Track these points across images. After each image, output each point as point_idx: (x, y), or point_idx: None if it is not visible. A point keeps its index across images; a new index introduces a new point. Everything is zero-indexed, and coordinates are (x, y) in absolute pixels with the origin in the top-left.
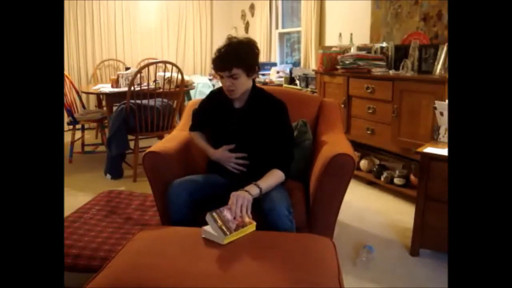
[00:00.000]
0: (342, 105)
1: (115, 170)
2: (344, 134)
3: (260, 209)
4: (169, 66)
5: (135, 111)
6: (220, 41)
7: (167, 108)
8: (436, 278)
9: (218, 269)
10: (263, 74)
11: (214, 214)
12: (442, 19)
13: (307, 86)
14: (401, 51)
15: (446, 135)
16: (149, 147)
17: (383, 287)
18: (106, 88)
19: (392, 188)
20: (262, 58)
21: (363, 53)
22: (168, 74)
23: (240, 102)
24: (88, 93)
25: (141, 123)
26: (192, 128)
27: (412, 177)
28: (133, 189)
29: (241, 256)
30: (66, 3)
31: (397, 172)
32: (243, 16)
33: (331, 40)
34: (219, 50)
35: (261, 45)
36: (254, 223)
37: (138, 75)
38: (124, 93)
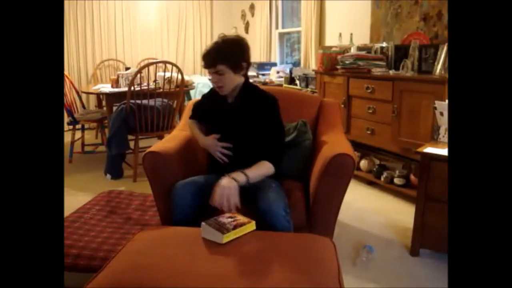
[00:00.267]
0: (342, 105)
1: (115, 170)
2: (344, 134)
3: (256, 209)
4: (169, 66)
5: (135, 111)
6: None
7: (167, 108)
8: (436, 278)
9: (218, 269)
10: (263, 74)
11: (208, 221)
12: (442, 19)
13: (307, 86)
14: (401, 51)
15: (446, 135)
16: (149, 147)
17: (383, 287)
18: (106, 88)
19: (392, 188)
20: (262, 58)
21: (363, 53)
22: (168, 74)
23: (232, 98)
24: (88, 93)
25: (141, 123)
26: (191, 117)
27: (412, 177)
28: (133, 189)
29: (241, 256)
30: (66, 3)
31: (397, 172)
32: (243, 16)
33: (331, 40)
34: (206, 48)
35: (261, 45)
36: (254, 222)
37: (138, 75)
38: (124, 93)
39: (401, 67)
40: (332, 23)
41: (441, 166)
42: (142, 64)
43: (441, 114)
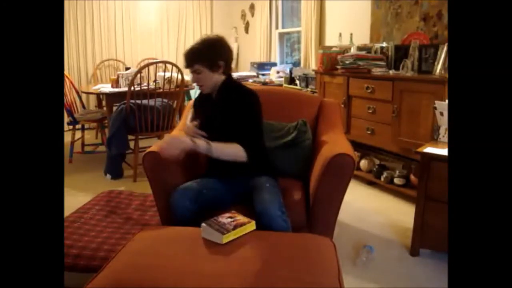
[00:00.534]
0: (342, 105)
1: (115, 170)
2: (344, 134)
3: (253, 212)
4: (169, 66)
5: (135, 111)
6: None
7: (167, 108)
8: (436, 278)
9: (218, 269)
10: (263, 74)
11: (208, 222)
12: (442, 19)
13: (307, 86)
14: (401, 51)
15: (446, 135)
16: (149, 147)
17: (383, 287)
18: (106, 88)
19: (392, 188)
20: (262, 58)
21: (363, 53)
22: (168, 74)
23: (214, 94)
24: (88, 93)
25: (141, 123)
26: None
27: (412, 177)
28: (133, 189)
29: (241, 256)
30: (66, 3)
31: (397, 172)
32: (243, 16)
33: (331, 40)
34: (186, 49)
35: (261, 45)
36: (253, 222)
37: (138, 75)
38: (124, 93)
39: (401, 67)
40: (332, 23)
41: (441, 166)
42: (142, 64)
43: (441, 114)
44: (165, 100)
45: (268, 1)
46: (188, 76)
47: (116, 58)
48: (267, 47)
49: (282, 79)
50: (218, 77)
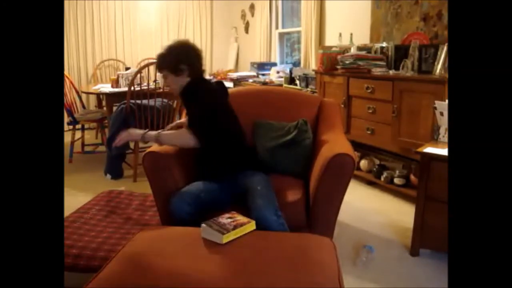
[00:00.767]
0: (342, 105)
1: (115, 170)
2: (344, 134)
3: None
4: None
5: (135, 111)
6: (220, 41)
7: (167, 108)
8: (436, 278)
9: (218, 269)
10: (263, 74)
11: (208, 222)
12: (442, 19)
13: (307, 86)
14: (401, 51)
15: (446, 135)
16: (149, 147)
17: (383, 287)
18: (106, 88)
19: (392, 188)
20: (262, 58)
21: (363, 53)
22: None
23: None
24: (88, 93)
25: (141, 123)
26: None
27: (412, 177)
28: (133, 189)
29: (241, 256)
30: (66, 3)
31: (397, 172)
32: (243, 16)
33: (331, 40)
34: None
35: (261, 45)
36: (253, 222)
37: (138, 75)
38: (124, 93)
39: (401, 67)
40: (332, 23)
41: (441, 166)
42: (142, 64)
43: (441, 114)
44: (165, 100)
45: (268, 1)
46: None
47: (116, 58)
48: (267, 47)
49: (282, 79)
50: (183, 80)
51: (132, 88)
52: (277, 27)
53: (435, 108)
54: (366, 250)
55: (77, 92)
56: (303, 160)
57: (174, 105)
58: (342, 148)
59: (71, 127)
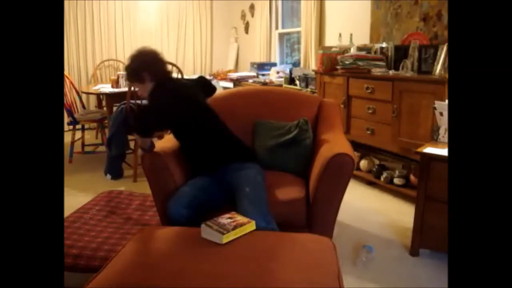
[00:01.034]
0: (342, 105)
1: (115, 170)
2: (344, 134)
3: None
4: (169, 66)
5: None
6: (220, 41)
7: None
8: (436, 278)
9: (218, 269)
10: (263, 75)
11: (208, 222)
12: (442, 19)
13: (307, 86)
14: (401, 51)
15: (446, 135)
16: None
17: (383, 287)
18: (106, 88)
19: (392, 188)
20: (262, 58)
21: (363, 53)
22: None
23: None
24: (88, 93)
25: None
26: None
27: (412, 177)
28: (133, 189)
29: (241, 256)
30: (66, 3)
31: (397, 172)
32: (243, 16)
33: (331, 40)
34: None
35: (261, 45)
36: (253, 222)
37: None
38: (124, 93)
39: (401, 67)
40: (332, 23)
41: (441, 166)
42: None
43: (441, 114)
44: None
45: (268, 1)
46: (187, 76)
47: (116, 58)
48: (267, 47)
49: (282, 79)
50: (149, 85)
51: (132, 88)
52: (277, 27)
53: (435, 108)
54: (366, 250)
55: (77, 92)
56: (303, 160)
57: None
58: (342, 148)
59: (71, 127)
